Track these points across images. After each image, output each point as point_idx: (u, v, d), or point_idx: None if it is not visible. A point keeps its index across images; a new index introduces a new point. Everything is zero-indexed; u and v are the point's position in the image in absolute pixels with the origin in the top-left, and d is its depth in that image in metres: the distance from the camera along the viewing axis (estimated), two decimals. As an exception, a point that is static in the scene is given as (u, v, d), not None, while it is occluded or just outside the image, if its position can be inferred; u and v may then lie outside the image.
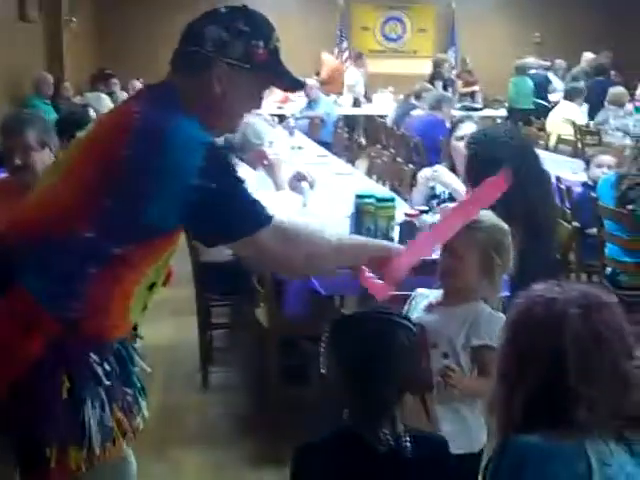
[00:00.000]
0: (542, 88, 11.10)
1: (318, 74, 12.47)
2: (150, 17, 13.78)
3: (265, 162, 4.32)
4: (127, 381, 1.96)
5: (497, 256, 2.33)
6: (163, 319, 4.95)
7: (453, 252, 2.30)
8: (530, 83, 11.16)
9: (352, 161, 7.32)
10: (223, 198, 1.76)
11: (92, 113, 5.27)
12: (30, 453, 1.79)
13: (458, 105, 10.88)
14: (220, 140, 5.87)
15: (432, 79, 10.98)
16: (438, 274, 2.35)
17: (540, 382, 1.47)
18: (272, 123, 8.29)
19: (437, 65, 11.65)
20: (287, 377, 3.56)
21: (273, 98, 11.90)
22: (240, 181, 1.82)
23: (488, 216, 2.37)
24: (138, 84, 9.08)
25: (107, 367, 1.85)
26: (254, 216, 1.81)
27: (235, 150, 4.28)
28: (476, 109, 11.26)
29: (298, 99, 10.70)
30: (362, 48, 14.60)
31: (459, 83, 12.61)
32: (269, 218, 1.83)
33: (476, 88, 12.71)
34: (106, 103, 6.28)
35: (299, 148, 7.09)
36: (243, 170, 4.18)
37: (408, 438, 1.71)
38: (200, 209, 1.74)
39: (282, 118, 9.43)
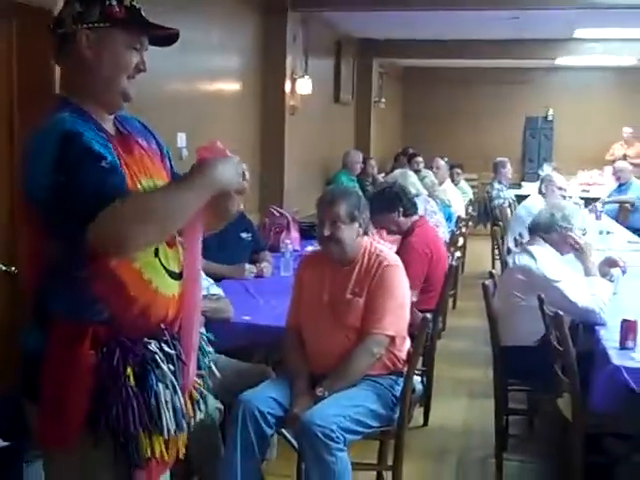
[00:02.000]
0: None
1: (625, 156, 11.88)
2: (451, 95, 14.11)
3: (575, 246, 4.16)
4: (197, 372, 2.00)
5: None
6: (456, 399, 4.92)
7: None
8: None
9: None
10: (74, 186, 1.73)
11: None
12: (125, 450, 1.83)
13: None
14: (524, 216, 5.76)
15: None
16: None
17: None
18: (579, 206, 8.03)
19: None
20: (589, 475, 3.32)
21: (578, 180, 11.58)
22: (96, 166, 1.75)
23: None
24: (442, 162, 9.27)
25: (169, 349, 1.89)
26: (103, 197, 1.72)
27: (543, 229, 4.18)
28: None
29: (607, 182, 10.29)
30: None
31: None
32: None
33: None
34: (412, 180, 6.46)
35: (607, 233, 6.76)
36: (546, 251, 4.07)
37: None
38: (56, 198, 1.74)
39: (588, 201, 9.09)
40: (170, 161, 2.12)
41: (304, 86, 7.74)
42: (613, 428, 3.26)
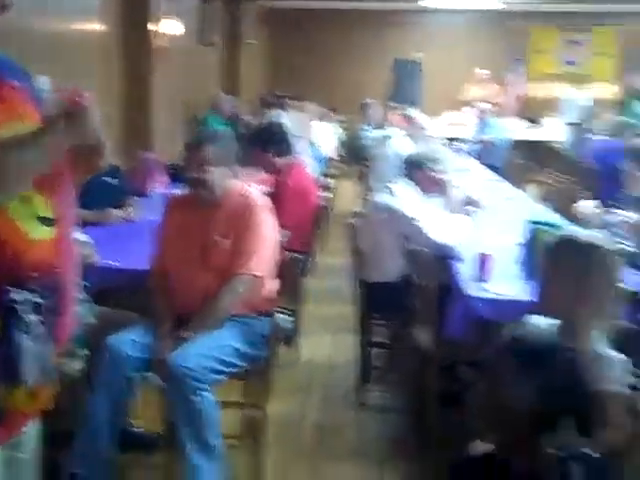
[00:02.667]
0: None
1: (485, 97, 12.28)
2: (321, 37, 14.11)
3: (439, 183, 4.31)
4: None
5: (591, 277, 2.25)
6: (323, 336, 5.04)
7: (544, 278, 2.25)
8: None
9: (523, 186, 7.14)
10: None
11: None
12: None
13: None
14: (390, 156, 5.90)
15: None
16: None
17: None
18: (442, 145, 8.27)
19: (633, 94, 11.10)
20: (445, 401, 3.50)
21: (443, 121, 11.89)
22: None
23: (580, 235, 2.28)
24: (311, 106, 9.32)
25: (37, 299, 1.84)
26: None
27: (407, 168, 4.30)
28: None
29: (470, 122, 10.62)
30: (537, 71, 14.31)
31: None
32: None
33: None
34: (284, 121, 6.47)
35: (468, 171, 7.01)
36: (408, 190, 4.20)
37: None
38: None
39: (452, 141, 9.36)
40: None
41: (170, 26, 7.56)
42: (467, 357, 3.42)
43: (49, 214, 1.91)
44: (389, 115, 9.49)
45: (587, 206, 4.31)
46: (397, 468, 3.46)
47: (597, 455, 1.77)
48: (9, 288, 1.80)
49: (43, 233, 1.87)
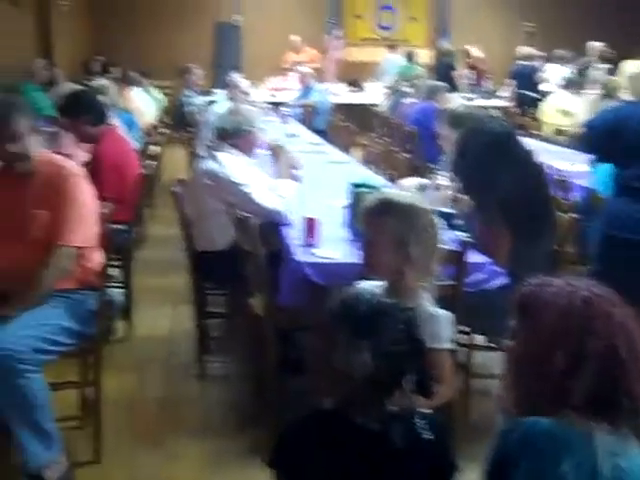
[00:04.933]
0: (528, 79, 11.02)
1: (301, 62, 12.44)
2: None
3: (271, 149, 4.33)
4: None
5: (412, 238, 2.33)
6: (160, 309, 4.96)
7: (367, 242, 2.32)
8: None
9: (346, 149, 7.29)
10: None
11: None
12: None
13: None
14: (213, 122, 5.85)
15: (441, 69, 10.94)
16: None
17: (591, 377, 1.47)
18: (266, 111, 8.28)
19: (445, 54, 11.64)
20: (284, 367, 3.54)
21: (267, 86, 11.91)
22: None
23: (399, 197, 2.38)
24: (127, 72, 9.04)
25: None
26: None
27: (227, 135, 4.28)
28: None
29: (292, 87, 10.70)
30: (355, 36, 14.62)
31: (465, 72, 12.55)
32: None
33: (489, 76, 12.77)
34: (113, 91, 6.29)
35: (293, 136, 7.07)
36: (232, 156, 4.18)
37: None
38: None
39: (276, 106, 9.41)
40: None
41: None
42: (301, 322, 3.47)
43: None
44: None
45: (410, 184, 4.45)
46: (242, 436, 3.47)
47: (434, 412, 1.86)
48: None
49: None
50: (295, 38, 13.09)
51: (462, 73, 12.20)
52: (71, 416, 3.38)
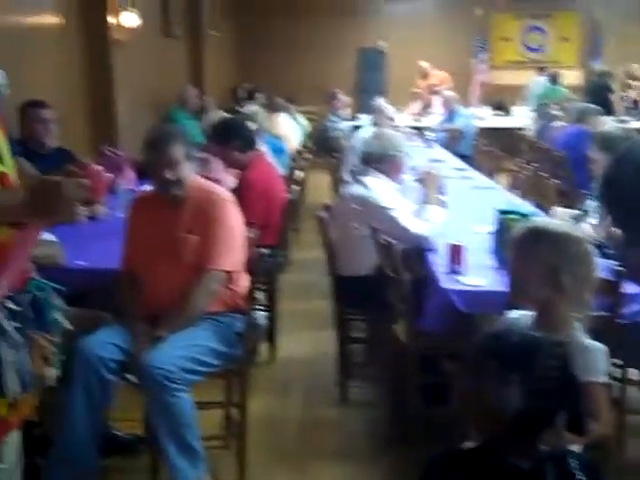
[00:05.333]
0: None
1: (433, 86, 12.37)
2: (286, 27, 14.06)
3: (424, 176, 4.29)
4: (44, 326, 1.95)
5: (565, 267, 2.21)
6: (302, 332, 5.01)
7: (516, 270, 2.22)
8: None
9: (493, 175, 7.16)
10: None
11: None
12: None
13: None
14: (358, 147, 5.87)
15: (594, 90, 10.60)
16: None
17: None
18: (410, 135, 8.27)
19: (600, 75, 11.27)
20: (426, 395, 3.49)
21: (410, 110, 11.91)
22: None
23: (551, 224, 2.26)
24: (279, 100, 9.29)
25: (13, 307, 1.82)
26: None
27: (373, 160, 4.28)
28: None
29: (437, 111, 10.64)
30: (502, 59, 14.40)
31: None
32: None
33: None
34: (262, 117, 6.49)
35: (437, 161, 7.01)
36: (380, 181, 4.18)
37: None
38: None
39: (419, 130, 9.38)
40: None
41: (130, 19, 7.45)
42: (445, 349, 3.41)
43: None
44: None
45: (563, 213, 4.30)
46: (379, 463, 3.44)
47: (586, 450, 1.77)
48: None
49: (4, 234, 1.82)
50: (423, 64, 13.02)
51: (621, 95, 11.75)
52: (216, 436, 3.45)
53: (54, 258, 3.41)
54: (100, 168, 1.88)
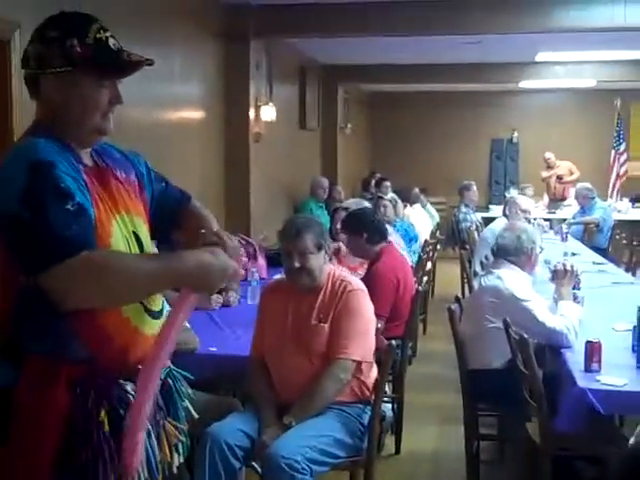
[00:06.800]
0: None
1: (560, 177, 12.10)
2: (417, 119, 14.23)
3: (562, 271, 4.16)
4: (174, 414, 1.93)
5: None
6: (427, 426, 4.89)
7: None
8: None
9: (632, 269, 6.87)
10: (36, 226, 1.64)
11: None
12: None
13: None
14: (490, 239, 5.77)
15: None
16: None
17: None
18: (543, 227, 8.10)
19: None
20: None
21: (544, 201, 11.72)
22: (61, 207, 1.66)
23: None
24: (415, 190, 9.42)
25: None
26: (65, 243, 1.64)
27: (507, 253, 4.19)
28: None
29: (572, 204, 10.40)
30: (640, 150, 14.06)
31: None
32: (80, 246, 1.65)
33: None
34: (396, 207, 6.57)
35: (573, 254, 6.81)
36: (514, 273, 4.07)
37: None
38: (14, 233, 1.67)
39: (553, 223, 9.18)
40: (152, 184, 2.06)
41: (268, 113, 7.75)
42: (581, 451, 3.25)
43: (157, 306, 1.92)
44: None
45: None
46: None
47: None
48: (121, 381, 1.79)
49: (151, 326, 1.86)
50: (547, 154, 12.78)
51: None
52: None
53: (188, 344, 3.48)
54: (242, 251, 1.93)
